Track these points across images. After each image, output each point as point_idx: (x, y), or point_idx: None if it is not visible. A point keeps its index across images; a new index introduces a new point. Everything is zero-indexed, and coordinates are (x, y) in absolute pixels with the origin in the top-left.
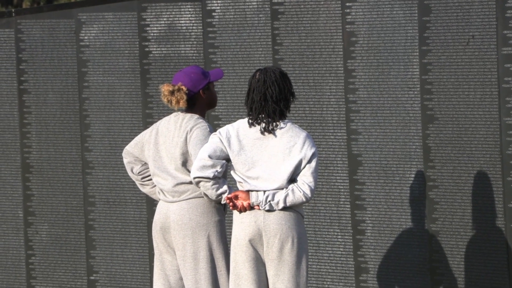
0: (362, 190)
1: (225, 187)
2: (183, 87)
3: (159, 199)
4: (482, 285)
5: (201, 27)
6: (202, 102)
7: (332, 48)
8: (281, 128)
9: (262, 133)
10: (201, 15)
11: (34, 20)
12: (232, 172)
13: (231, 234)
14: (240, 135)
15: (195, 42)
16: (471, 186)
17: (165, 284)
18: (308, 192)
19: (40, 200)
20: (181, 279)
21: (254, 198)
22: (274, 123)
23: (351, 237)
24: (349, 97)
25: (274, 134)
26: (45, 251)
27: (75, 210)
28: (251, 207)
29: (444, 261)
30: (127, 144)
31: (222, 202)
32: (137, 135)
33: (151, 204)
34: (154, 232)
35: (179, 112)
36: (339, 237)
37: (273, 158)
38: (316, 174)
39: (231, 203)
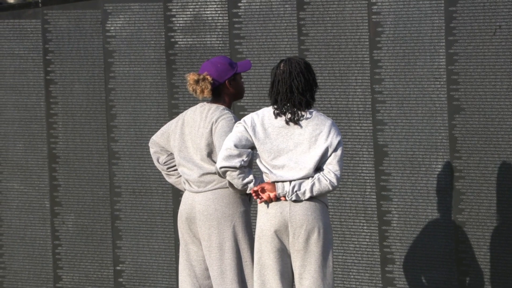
0: (388, 180)
1: (251, 177)
2: (208, 77)
3: (185, 189)
4: (509, 275)
5: (227, 18)
6: (227, 93)
7: (358, 38)
8: (307, 118)
9: (287, 123)
10: (227, 5)
11: (61, 11)
12: (257, 162)
13: (255, 225)
14: (265, 123)
15: (220, 33)
16: (497, 176)
17: (190, 274)
18: (334, 181)
19: (66, 191)
20: (206, 269)
21: (280, 189)
22: (300, 113)
23: (377, 228)
24: (375, 87)
25: (299, 124)
26: (71, 241)
27: (101, 200)
28: (277, 199)
29: (470, 252)
30: (153, 134)
31: (248, 191)
32: (162, 126)
33: (177, 194)
34: (180, 222)
35: (205, 103)
36: (365, 227)
37: (298, 147)
38: (342, 162)
39: (255, 195)
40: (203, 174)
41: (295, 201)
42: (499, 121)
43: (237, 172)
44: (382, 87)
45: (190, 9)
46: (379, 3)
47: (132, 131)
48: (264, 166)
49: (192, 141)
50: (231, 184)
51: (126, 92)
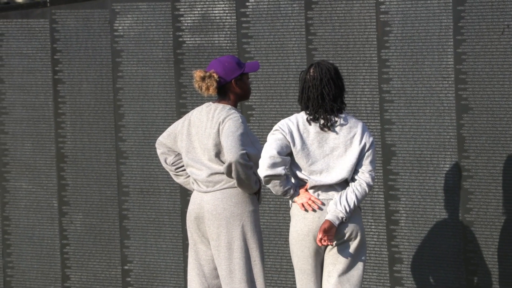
0: (396, 180)
1: (290, 183)
2: (215, 75)
3: (193, 189)
4: None
5: (234, 17)
6: (234, 92)
7: (366, 38)
8: (340, 124)
9: (322, 128)
10: (234, 5)
11: (69, 11)
12: (291, 168)
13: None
14: (300, 129)
15: (228, 32)
16: (505, 175)
17: (199, 274)
18: (370, 181)
19: (74, 190)
20: (215, 268)
21: (332, 216)
22: (333, 119)
23: (385, 227)
24: (383, 87)
25: (334, 130)
26: (79, 240)
27: (109, 200)
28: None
29: (478, 252)
30: (160, 134)
31: (289, 199)
32: (170, 125)
33: (184, 194)
34: (189, 222)
35: (210, 103)
36: (373, 227)
37: (335, 151)
38: (375, 162)
39: (308, 206)
40: (212, 174)
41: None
42: (507, 120)
43: (281, 179)
44: (390, 87)
45: (198, 9)
46: (387, 3)
47: (140, 130)
48: (301, 172)
49: (199, 142)
50: (239, 184)
51: (134, 92)
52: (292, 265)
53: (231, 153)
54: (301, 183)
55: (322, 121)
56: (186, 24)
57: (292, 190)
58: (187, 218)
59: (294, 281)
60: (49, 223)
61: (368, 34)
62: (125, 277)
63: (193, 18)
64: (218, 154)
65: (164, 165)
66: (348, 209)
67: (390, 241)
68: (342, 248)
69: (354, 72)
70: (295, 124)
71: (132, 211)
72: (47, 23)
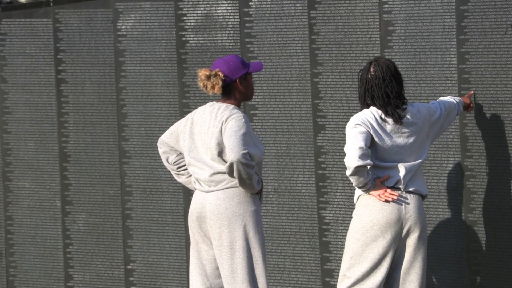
0: None
1: (370, 175)
2: (220, 73)
3: (195, 189)
4: None
5: (238, 17)
6: (238, 92)
7: (369, 37)
8: (406, 115)
9: (396, 123)
10: (238, 4)
11: (72, 10)
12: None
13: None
14: (380, 123)
15: (231, 32)
16: (508, 175)
17: (201, 273)
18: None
19: (77, 190)
20: (217, 268)
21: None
22: (401, 113)
23: None
24: None
25: (405, 121)
26: (82, 240)
27: (112, 199)
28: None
29: (482, 251)
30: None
31: (367, 191)
32: (172, 125)
33: (187, 193)
34: (190, 221)
35: (214, 102)
36: None
37: (411, 141)
38: None
39: (386, 198)
40: (214, 174)
41: (407, 193)
42: (511, 119)
43: (368, 170)
44: None
45: (201, 8)
46: (390, 2)
47: (143, 130)
48: (383, 163)
49: (202, 141)
50: (241, 183)
51: (137, 91)
52: (295, 265)
53: (233, 153)
54: (374, 175)
55: (394, 116)
56: (189, 24)
57: (371, 183)
58: (189, 217)
59: (296, 281)
60: (52, 223)
61: (371, 34)
62: (128, 276)
63: (196, 17)
64: (220, 153)
65: (165, 164)
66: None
67: None
68: (418, 243)
69: (358, 72)
70: (373, 118)
71: (135, 210)
72: (50, 22)
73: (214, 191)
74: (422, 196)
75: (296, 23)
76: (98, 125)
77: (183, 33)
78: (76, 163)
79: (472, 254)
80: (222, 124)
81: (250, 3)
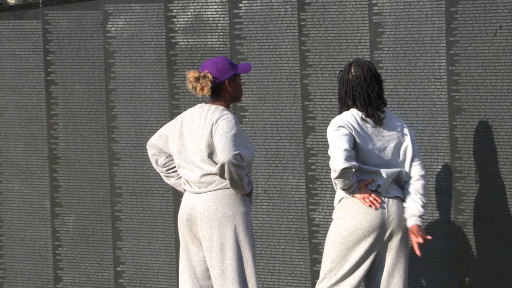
0: None
1: (355, 178)
2: (209, 75)
3: (185, 191)
4: (509, 276)
5: (227, 18)
6: (227, 93)
7: (358, 39)
8: (388, 118)
9: (376, 124)
10: (227, 6)
11: (61, 11)
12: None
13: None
14: (360, 125)
15: (221, 33)
16: (498, 177)
17: (191, 275)
18: (424, 171)
19: (67, 191)
20: (207, 270)
21: (417, 220)
22: (381, 115)
23: None
24: None
25: (384, 124)
26: (72, 242)
27: (102, 201)
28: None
29: (471, 253)
30: (153, 135)
31: (350, 193)
32: (162, 127)
33: (177, 195)
34: (180, 223)
35: (203, 104)
36: None
37: (390, 145)
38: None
39: (370, 203)
40: (204, 175)
41: (388, 197)
42: (500, 121)
43: (352, 172)
44: None
45: (191, 10)
46: (380, 4)
47: (133, 131)
48: (365, 166)
49: (192, 143)
50: (232, 185)
51: (126, 93)
52: (285, 267)
53: (224, 154)
54: (358, 179)
55: (373, 118)
56: (179, 25)
57: (355, 185)
58: (179, 219)
59: (286, 282)
60: (42, 225)
61: (361, 36)
62: (117, 278)
63: (186, 19)
64: (211, 155)
65: (155, 166)
66: (424, 206)
67: None
68: (400, 246)
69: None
70: (354, 121)
71: (125, 212)
72: (39, 24)
73: (205, 192)
74: (402, 200)
75: (286, 25)
76: (87, 126)
77: (173, 34)
78: (65, 165)
79: (461, 256)
80: (212, 125)
81: (240, 5)
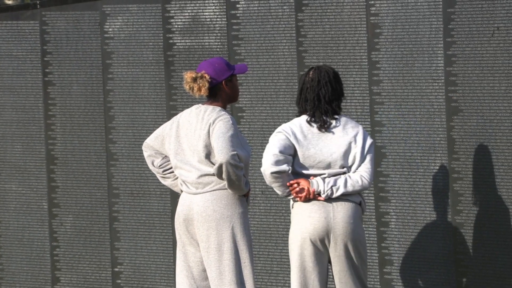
0: (386, 182)
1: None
2: (206, 75)
3: (181, 191)
4: (507, 277)
5: (225, 19)
6: (224, 94)
7: (356, 39)
8: (336, 126)
9: (320, 129)
10: (225, 7)
11: (59, 12)
12: (296, 167)
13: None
14: (304, 131)
15: (219, 34)
16: (495, 177)
17: (188, 275)
18: (366, 177)
19: (64, 192)
20: (204, 270)
21: (315, 185)
22: (328, 122)
23: (375, 229)
24: (373, 89)
25: (332, 132)
26: (69, 242)
27: (99, 201)
28: (314, 195)
29: (468, 253)
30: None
31: (290, 197)
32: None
33: (175, 196)
34: (177, 223)
35: (200, 105)
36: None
37: (333, 152)
38: (374, 164)
39: (296, 191)
40: (201, 176)
41: (335, 200)
42: (497, 122)
43: (286, 176)
44: (380, 89)
45: (188, 11)
46: (377, 5)
47: (130, 132)
48: (307, 171)
49: (189, 144)
50: (230, 185)
51: (124, 94)
52: (282, 268)
53: (222, 154)
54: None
55: (319, 123)
56: (176, 26)
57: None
58: (176, 219)
59: (284, 283)
60: (39, 225)
61: (358, 36)
62: (115, 279)
63: (184, 20)
64: (208, 156)
65: (151, 167)
66: (330, 186)
67: (381, 243)
68: (349, 253)
69: (345, 74)
70: (297, 126)
71: (123, 213)
72: (37, 25)
73: (202, 193)
74: (357, 204)
75: (284, 26)
76: (85, 127)
77: (171, 35)
78: (63, 166)
79: (459, 256)
80: (210, 126)
81: (238, 6)
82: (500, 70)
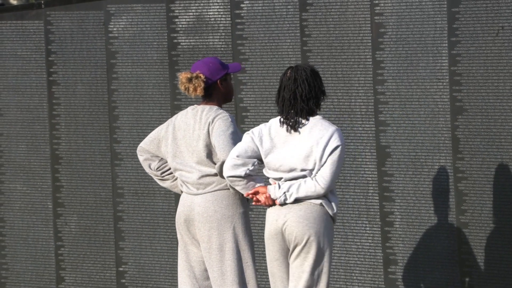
0: (390, 181)
1: (258, 185)
2: (201, 75)
3: (181, 192)
4: (511, 277)
5: (229, 19)
6: (219, 93)
7: (360, 39)
8: (304, 125)
9: (289, 131)
10: (229, 6)
11: (63, 12)
12: (264, 171)
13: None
14: (272, 133)
15: (223, 34)
16: (500, 177)
17: (190, 275)
18: (320, 182)
19: (69, 191)
20: (206, 270)
21: (271, 191)
22: (300, 121)
23: (379, 229)
24: (377, 88)
25: (298, 131)
26: (74, 242)
27: (104, 201)
28: (273, 201)
29: (473, 253)
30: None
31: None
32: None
33: (179, 195)
34: (178, 224)
35: (195, 106)
36: (368, 228)
37: (296, 154)
38: (336, 168)
39: (254, 198)
40: (202, 176)
41: (291, 203)
42: (502, 122)
43: (244, 181)
44: (384, 88)
45: (193, 10)
46: (382, 4)
47: (135, 132)
48: (271, 175)
49: (187, 145)
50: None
51: (128, 93)
52: None
53: (224, 152)
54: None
55: (290, 123)
56: (180, 26)
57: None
58: (176, 220)
59: None
60: (44, 225)
61: (362, 36)
62: (119, 278)
63: (188, 19)
64: (209, 155)
65: (148, 170)
66: (283, 192)
67: (385, 243)
68: (301, 255)
69: (349, 74)
70: (267, 128)
71: (127, 212)
72: (41, 24)
73: (203, 193)
74: (316, 205)
75: (288, 25)
76: (89, 127)
77: (175, 35)
78: (67, 165)
79: (463, 256)
80: (209, 125)
81: (242, 5)
82: (505, 69)
